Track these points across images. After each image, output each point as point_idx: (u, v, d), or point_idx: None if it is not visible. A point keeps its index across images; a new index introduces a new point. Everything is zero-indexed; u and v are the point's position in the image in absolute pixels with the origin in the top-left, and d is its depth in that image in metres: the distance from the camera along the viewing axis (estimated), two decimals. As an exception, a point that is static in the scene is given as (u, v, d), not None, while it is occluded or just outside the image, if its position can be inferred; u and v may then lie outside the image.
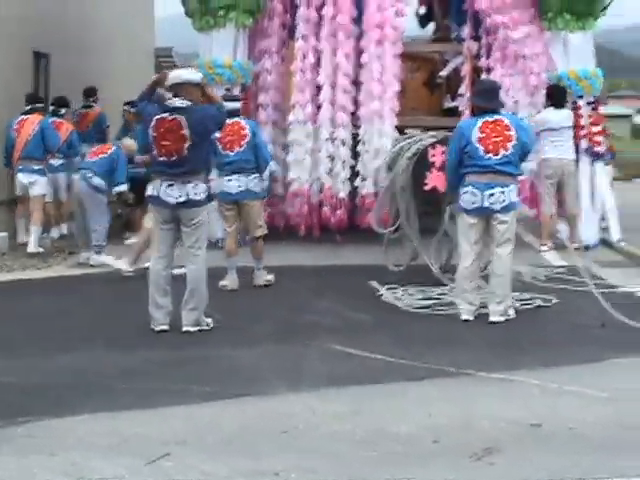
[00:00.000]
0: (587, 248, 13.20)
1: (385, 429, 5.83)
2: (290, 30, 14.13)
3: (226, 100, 9.79)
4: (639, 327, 8.41)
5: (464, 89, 14.12)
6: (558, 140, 13.04)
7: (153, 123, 8.23)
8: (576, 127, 13.38)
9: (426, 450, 5.49)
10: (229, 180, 10.40)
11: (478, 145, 8.93)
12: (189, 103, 8.24)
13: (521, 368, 7.18)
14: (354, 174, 13.56)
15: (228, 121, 9.55)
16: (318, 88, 13.61)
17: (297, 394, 6.57)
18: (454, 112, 14.26)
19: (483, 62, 14.12)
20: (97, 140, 14.75)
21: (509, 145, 8.94)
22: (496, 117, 9.08)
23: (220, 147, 10.35)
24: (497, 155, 8.90)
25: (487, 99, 9.23)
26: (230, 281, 10.46)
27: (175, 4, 14.46)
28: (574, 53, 13.66)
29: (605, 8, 13.84)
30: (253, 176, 10.49)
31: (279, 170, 13.46)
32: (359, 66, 13.59)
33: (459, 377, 7.02)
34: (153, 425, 5.93)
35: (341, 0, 13.55)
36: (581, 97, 13.65)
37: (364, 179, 13.43)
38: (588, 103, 13.76)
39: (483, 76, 13.82)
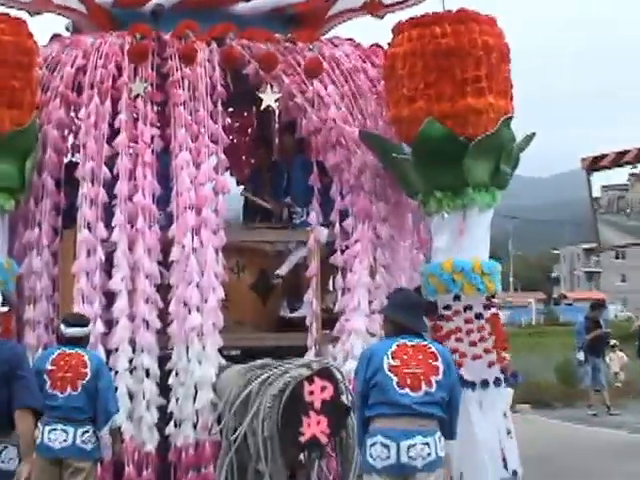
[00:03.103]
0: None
1: None
2: (65, 215, 10.38)
3: (65, 323, 8.79)
4: None
5: (310, 294, 10.52)
6: None
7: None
8: None
9: None
10: (52, 430, 8.41)
11: (391, 375, 7.18)
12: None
13: None
14: (164, 418, 9.85)
15: (65, 350, 8.62)
16: (110, 296, 9.92)
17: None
18: (297, 324, 10.68)
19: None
20: None
21: (433, 380, 7.19)
22: (418, 341, 7.38)
23: (48, 384, 8.47)
24: (417, 391, 7.12)
25: (408, 315, 7.42)
26: None
27: None
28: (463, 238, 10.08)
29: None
30: (84, 429, 8.53)
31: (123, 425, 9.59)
32: (167, 265, 10.07)
33: None
34: None
35: (139, 173, 10.05)
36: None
37: (179, 425, 9.73)
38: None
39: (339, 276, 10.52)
